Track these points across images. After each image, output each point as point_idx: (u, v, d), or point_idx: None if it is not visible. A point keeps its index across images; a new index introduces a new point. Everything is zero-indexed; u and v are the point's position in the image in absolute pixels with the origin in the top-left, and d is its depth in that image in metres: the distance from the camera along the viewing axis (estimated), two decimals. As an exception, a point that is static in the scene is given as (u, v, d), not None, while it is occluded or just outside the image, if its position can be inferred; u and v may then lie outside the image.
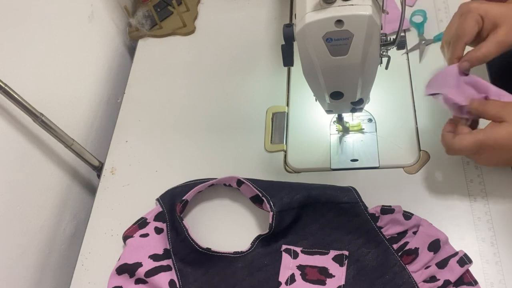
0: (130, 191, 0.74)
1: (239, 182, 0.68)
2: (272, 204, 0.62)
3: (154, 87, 0.86)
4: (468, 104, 0.57)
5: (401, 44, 0.54)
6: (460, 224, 0.62)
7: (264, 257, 0.63)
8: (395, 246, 0.61)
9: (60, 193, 0.77)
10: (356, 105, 0.62)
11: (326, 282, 0.60)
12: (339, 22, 0.47)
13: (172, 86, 0.85)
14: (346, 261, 0.61)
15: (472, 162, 0.66)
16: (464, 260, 0.57)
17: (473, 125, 0.60)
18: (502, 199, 0.63)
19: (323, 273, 0.60)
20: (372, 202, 0.64)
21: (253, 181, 0.67)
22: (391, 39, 0.53)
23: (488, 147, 0.55)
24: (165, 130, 0.80)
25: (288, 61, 0.55)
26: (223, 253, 0.63)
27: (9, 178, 0.66)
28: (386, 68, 0.57)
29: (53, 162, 0.76)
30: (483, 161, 0.59)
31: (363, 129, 0.73)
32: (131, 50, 0.97)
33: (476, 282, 0.57)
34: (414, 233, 0.61)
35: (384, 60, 0.56)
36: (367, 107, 0.68)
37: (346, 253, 0.61)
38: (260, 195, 0.64)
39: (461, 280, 0.57)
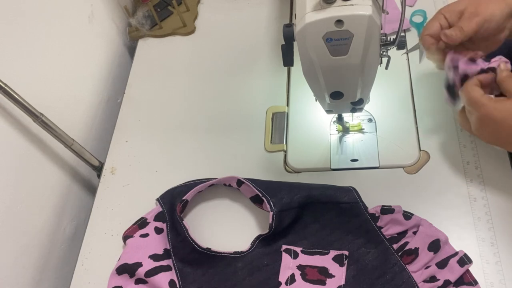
0: (130, 191, 0.74)
1: (239, 182, 0.68)
2: (272, 204, 0.62)
3: (154, 87, 0.86)
4: (500, 67, 0.57)
5: (401, 44, 0.54)
6: (460, 224, 0.62)
7: (264, 257, 0.63)
8: (395, 246, 0.61)
9: (60, 193, 0.77)
10: (356, 105, 0.62)
11: (326, 282, 0.60)
12: (339, 22, 0.47)
13: (172, 86, 0.85)
14: (346, 261, 0.61)
15: (472, 162, 0.66)
16: (464, 260, 0.57)
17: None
18: (502, 199, 0.63)
19: (323, 273, 0.60)
20: (372, 202, 0.64)
21: (253, 181, 0.67)
22: (391, 39, 0.53)
23: (487, 114, 0.55)
24: (165, 130, 0.80)
25: (288, 61, 0.55)
26: (223, 253, 0.63)
27: (9, 178, 0.66)
28: (386, 68, 0.57)
29: (53, 162, 0.76)
30: (480, 124, 0.58)
31: (363, 129, 0.73)
32: (131, 50, 0.97)
33: (476, 282, 0.57)
34: (414, 233, 0.61)
35: (384, 60, 0.56)
36: (367, 107, 0.68)
37: (346, 253, 0.61)
38: (260, 195, 0.64)
39: (461, 280, 0.57)
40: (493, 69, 0.57)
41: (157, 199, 0.70)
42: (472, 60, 0.58)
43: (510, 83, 0.56)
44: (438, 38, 0.60)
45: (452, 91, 0.61)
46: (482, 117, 0.56)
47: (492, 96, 0.57)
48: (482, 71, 0.57)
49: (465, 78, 0.58)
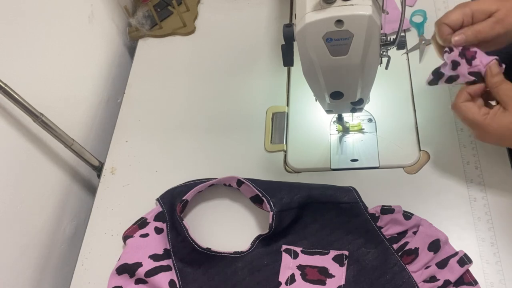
0: (130, 191, 0.74)
1: (239, 182, 0.68)
2: (272, 204, 0.62)
3: (154, 87, 0.86)
4: (488, 71, 0.54)
5: (401, 44, 0.54)
6: (460, 224, 0.62)
7: (264, 257, 0.63)
8: (395, 246, 0.61)
9: (60, 193, 0.77)
10: (356, 105, 0.62)
11: (326, 282, 0.60)
12: (339, 22, 0.47)
13: (172, 86, 0.85)
14: (346, 261, 0.61)
15: (472, 162, 0.66)
16: (464, 260, 0.57)
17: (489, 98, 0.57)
18: (502, 199, 0.63)
19: (323, 273, 0.60)
20: (372, 202, 0.64)
21: (253, 181, 0.67)
22: (391, 39, 0.53)
23: (486, 132, 0.55)
24: (165, 130, 0.80)
25: (288, 61, 0.55)
26: (223, 253, 0.63)
27: (9, 178, 0.66)
28: (386, 68, 0.57)
29: (53, 162, 0.76)
30: (480, 138, 0.58)
31: (363, 129, 0.73)
32: (131, 50, 0.97)
33: (476, 282, 0.57)
34: (414, 233, 0.61)
35: (384, 60, 0.56)
36: (367, 107, 0.68)
37: (346, 253, 0.61)
38: (260, 195, 0.64)
39: (461, 280, 0.57)
40: (476, 74, 0.55)
41: (157, 199, 0.70)
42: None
43: (502, 90, 0.54)
44: (455, 30, 0.57)
45: (438, 77, 0.58)
46: (479, 135, 0.56)
47: (486, 109, 0.55)
48: (470, 74, 0.55)
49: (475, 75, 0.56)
